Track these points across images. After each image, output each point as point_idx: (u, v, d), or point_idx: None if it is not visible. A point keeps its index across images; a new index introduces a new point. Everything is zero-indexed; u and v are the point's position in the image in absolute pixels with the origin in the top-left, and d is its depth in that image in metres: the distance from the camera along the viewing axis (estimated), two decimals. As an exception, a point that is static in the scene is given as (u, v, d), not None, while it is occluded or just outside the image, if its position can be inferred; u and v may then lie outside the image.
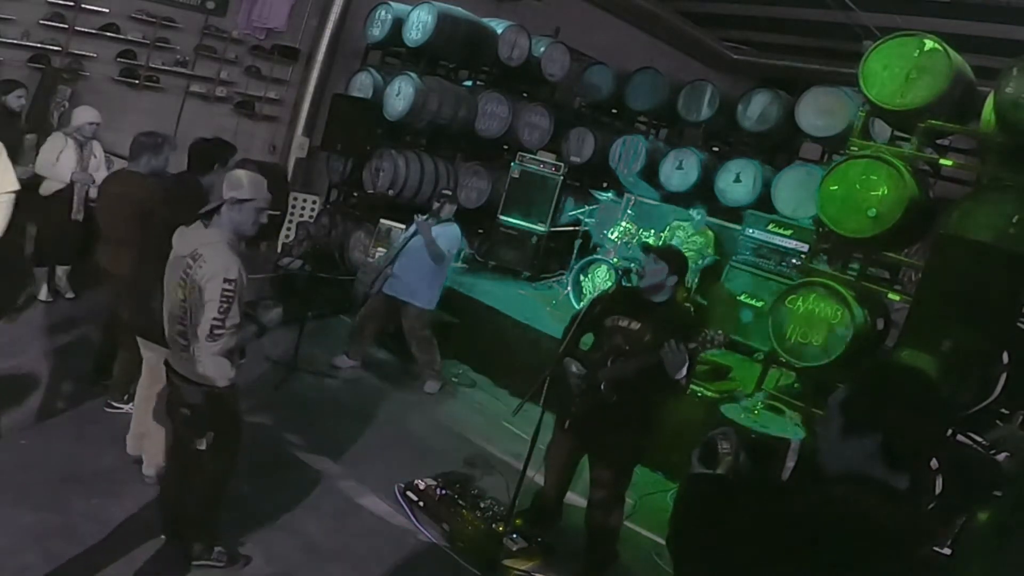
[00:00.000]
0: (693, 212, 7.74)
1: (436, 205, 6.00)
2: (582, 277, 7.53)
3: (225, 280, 2.93)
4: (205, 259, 2.96)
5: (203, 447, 3.09)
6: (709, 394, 5.51)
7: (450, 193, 6.22)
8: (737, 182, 8.53)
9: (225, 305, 2.94)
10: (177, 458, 3.37)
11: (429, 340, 6.10)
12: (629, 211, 7.84)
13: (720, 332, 3.57)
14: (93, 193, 6.03)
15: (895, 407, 1.63)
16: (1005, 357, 4.13)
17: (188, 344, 3.05)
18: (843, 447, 1.66)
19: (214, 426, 3.11)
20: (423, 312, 6.01)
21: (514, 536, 4.00)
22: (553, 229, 8.86)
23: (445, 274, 6.12)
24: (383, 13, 8.81)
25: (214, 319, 2.94)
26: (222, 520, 3.46)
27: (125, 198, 4.23)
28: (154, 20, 7.93)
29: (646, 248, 3.99)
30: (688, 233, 7.62)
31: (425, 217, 5.93)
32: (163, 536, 3.42)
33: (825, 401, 1.82)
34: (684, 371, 3.52)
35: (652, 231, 7.57)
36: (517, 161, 8.84)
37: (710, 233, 7.85)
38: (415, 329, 6.03)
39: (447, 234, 5.90)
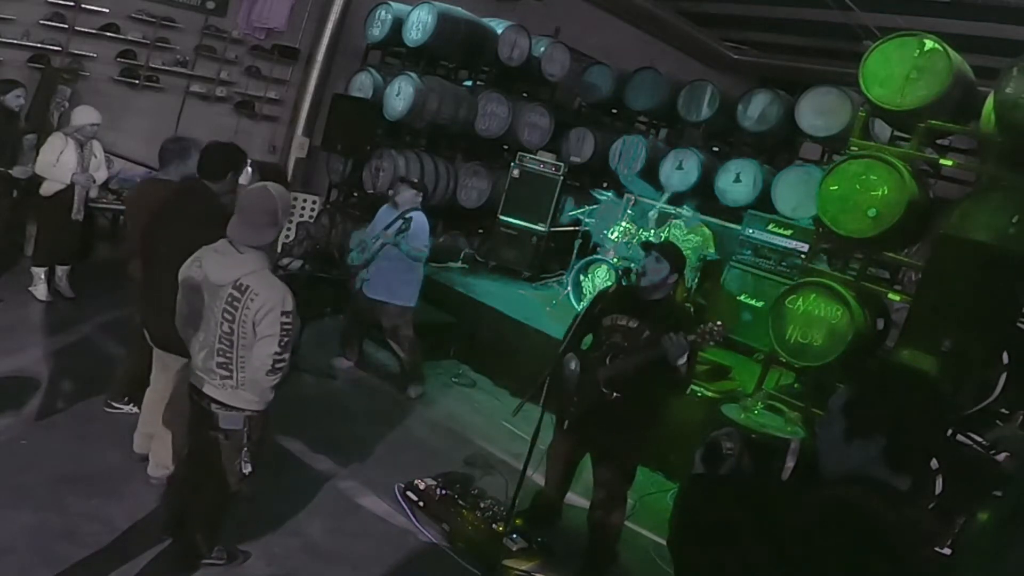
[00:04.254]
0: (683, 209, 7.73)
1: (391, 191, 5.80)
2: (582, 277, 7.53)
3: (283, 313, 2.86)
4: (256, 291, 2.85)
5: (248, 470, 3.02)
6: (709, 394, 5.51)
7: (415, 180, 6.00)
8: (737, 182, 8.53)
9: (286, 339, 2.87)
10: (196, 472, 3.30)
11: (413, 340, 5.94)
12: (629, 211, 7.84)
13: (720, 324, 3.56)
14: (94, 193, 6.05)
15: (896, 408, 1.64)
16: (1005, 357, 4.13)
17: (232, 375, 2.96)
18: (844, 448, 1.66)
19: (250, 446, 3.06)
20: (405, 310, 5.85)
21: (514, 536, 4.00)
22: (553, 229, 8.85)
23: (421, 270, 5.93)
24: (383, 13, 8.81)
25: (275, 353, 2.87)
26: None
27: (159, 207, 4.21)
28: (154, 20, 7.93)
29: (647, 246, 3.98)
30: (683, 232, 7.61)
31: (392, 224, 5.67)
32: (167, 536, 3.41)
33: (825, 401, 1.82)
34: (684, 358, 3.51)
35: (652, 231, 7.57)
36: (517, 161, 8.83)
37: (706, 231, 7.84)
38: (398, 328, 5.87)
39: (415, 230, 5.67)
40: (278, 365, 2.90)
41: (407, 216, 5.68)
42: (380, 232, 5.75)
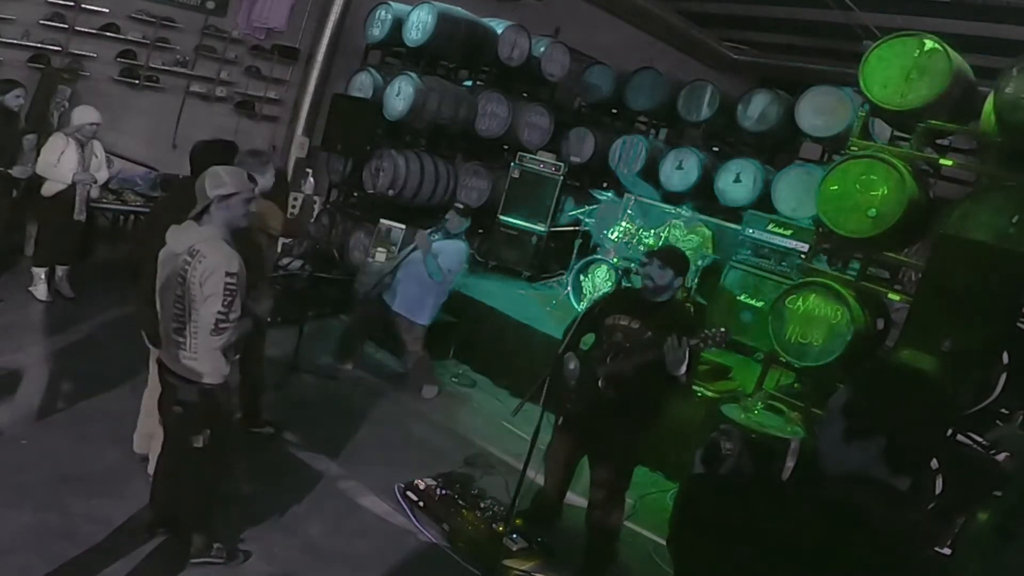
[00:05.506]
0: (682, 210, 7.74)
1: (447, 217, 5.81)
2: (582, 277, 7.53)
3: (227, 274, 2.96)
4: (204, 255, 2.98)
5: (200, 444, 3.10)
6: (709, 394, 5.51)
7: (462, 206, 5.95)
8: (737, 182, 8.53)
9: (229, 298, 2.97)
10: (170, 455, 3.38)
11: (421, 356, 5.95)
12: (629, 211, 7.84)
13: (723, 329, 3.55)
14: (95, 193, 6.04)
15: (896, 409, 1.63)
16: (1005, 357, 4.13)
17: (185, 341, 3.06)
18: (844, 449, 1.65)
19: (209, 423, 3.12)
20: (414, 326, 5.84)
21: (514, 536, 4.00)
22: (553, 229, 8.86)
23: (446, 292, 5.91)
24: (383, 13, 8.81)
25: (219, 312, 2.97)
26: (223, 518, 3.48)
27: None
28: (154, 20, 7.92)
29: (650, 254, 3.97)
30: (683, 232, 7.61)
31: (430, 231, 5.78)
32: (156, 531, 3.43)
33: (825, 401, 1.82)
34: (683, 368, 3.51)
35: (652, 231, 7.57)
36: (517, 161, 8.84)
37: (705, 231, 7.84)
38: (406, 344, 5.91)
39: (450, 251, 5.68)
40: (222, 325, 2.98)
41: (451, 234, 5.75)
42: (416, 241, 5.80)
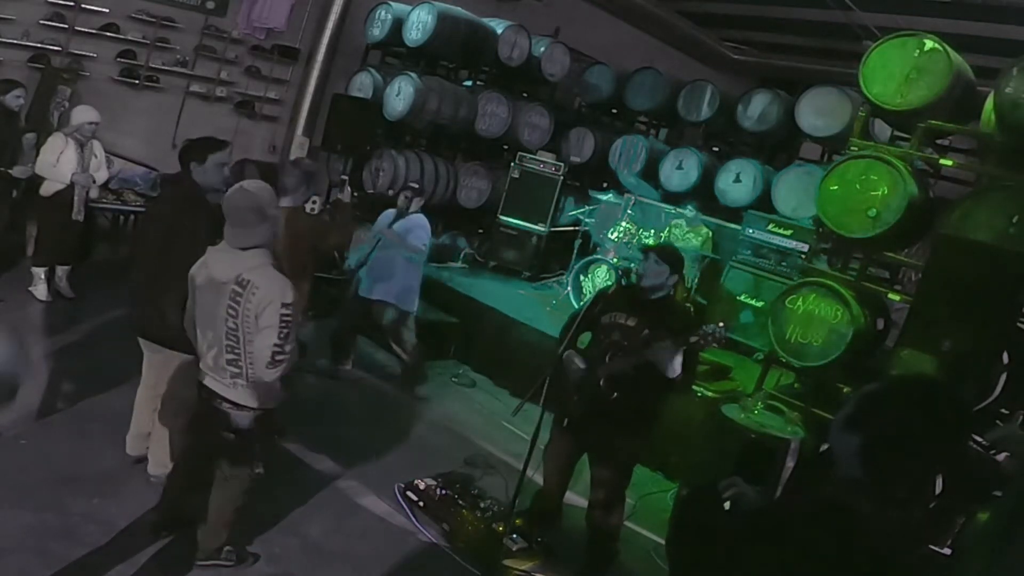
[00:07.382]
0: (685, 210, 7.74)
1: (403, 200, 5.76)
2: (582, 277, 7.53)
3: (283, 304, 2.88)
4: (257, 285, 2.89)
5: (260, 469, 3.05)
6: (709, 394, 5.51)
7: (416, 186, 6.03)
8: (737, 182, 8.54)
9: (285, 330, 2.89)
10: (196, 469, 3.31)
11: (414, 344, 5.92)
12: (629, 211, 7.84)
13: (721, 325, 3.55)
14: (94, 193, 6.04)
15: (920, 427, 1.61)
16: (1005, 357, 4.13)
17: (241, 372, 2.99)
18: (860, 459, 1.63)
19: (261, 446, 3.09)
20: (403, 314, 5.82)
21: (514, 536, 4.00)
22: (553, 229, 8.86)
23: (420, 271, 5.90)
24: (383, 13, 8.82)
25: (275, 345, 2.88)
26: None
27: (296, 233, 4.25)
28: (154, 20, 7.92)
29: (647, 250, 3.97)
30: (684, 231, 7.62)
31: (390, 224, 5.74)
32: (161, 534, 3.41)
33: (824, 401, 1.82)
34: (677, 371, 3.51)
35: (652, 231, 7.57)
36: (517, 161, 8.84)
37: (706, 231, 7.85)
38: (398, 333, 5.87)
39: (415, 228, 5.67)
40: (278, 357, 2.90)
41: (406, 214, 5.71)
42: (377, 231, 5.77)
